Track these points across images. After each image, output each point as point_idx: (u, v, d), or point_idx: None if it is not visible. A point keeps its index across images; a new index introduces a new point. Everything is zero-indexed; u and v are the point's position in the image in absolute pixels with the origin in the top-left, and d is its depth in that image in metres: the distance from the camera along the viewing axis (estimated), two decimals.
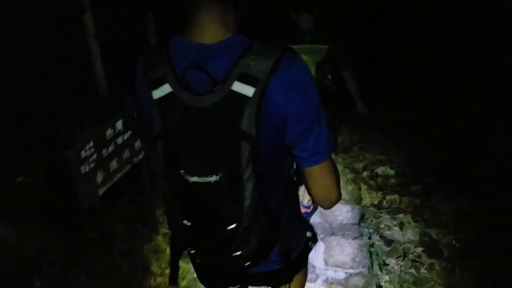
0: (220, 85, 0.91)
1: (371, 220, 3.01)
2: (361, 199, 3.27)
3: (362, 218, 3.02)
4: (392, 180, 3.49)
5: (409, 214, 3.07)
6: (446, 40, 4.65)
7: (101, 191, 2.32)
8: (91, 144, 2.18)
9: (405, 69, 4.79)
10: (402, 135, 4.01)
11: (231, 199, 0.98)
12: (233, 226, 1.00)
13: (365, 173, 3.62)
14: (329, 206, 1.09)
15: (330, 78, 2.35)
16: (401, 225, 2.95)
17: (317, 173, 1.02)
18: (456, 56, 4.54)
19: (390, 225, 2.98)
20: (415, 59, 4.82)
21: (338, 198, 1.07)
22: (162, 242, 2.78)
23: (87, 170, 2.17)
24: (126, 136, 2.42)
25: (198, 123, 0.94)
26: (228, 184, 0.96)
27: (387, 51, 4.98)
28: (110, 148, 2.31)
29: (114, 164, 2.35)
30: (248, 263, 1.08)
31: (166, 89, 0.96)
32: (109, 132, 2.29)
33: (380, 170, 3.60)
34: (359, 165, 3.76)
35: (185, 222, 1.05)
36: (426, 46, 4.78)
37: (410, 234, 2.87)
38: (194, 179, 0.98)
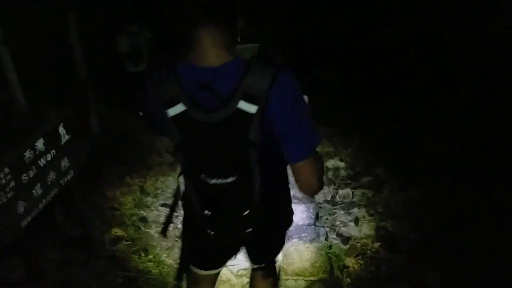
0: (227, 103, 1.07)
1: (326, 218, 2.91)
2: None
3: (317, 216, 2.91)
4: (343, 173, 3.42)
5: (363, 207, 3.00)
6: (395, 36, 4.62)
7: (25, 222, 2.00)
8: (7, 170, 1.85)
9: (351, 62, 4.70)
10: (349, 128, 3.93)
11: (245, 193, 1.22)
12: (247, 212, 1.26)
13: None
14: (311, 194, 1.43)
15: None
16: (356, 221, 2.87)
17: (301, 168, 1.19)
18: (404, 50, 4.51)
19: (346, 221, 2.89)
20: (362, 51, 4.75)
21: (320, 187, 1.25)
22: (103, 266, 2.51)
23: (4, 200, 1.85)
24: (50, 156, 2.10)
25: (211, 136, 1.13)
26: (242, 183, 1.19)
27: (333, 43, 4.86)
28: (32, 173, 1.99)
29: (38, 190, 2.04)
30: (254, 235, 1.34)
31: (180, 108, 1.10)
32: (28, 154, 1.97)
33: (329, 163, 3.51)
34: None
35: (206, 212, 1.29)
36: (373, 40, 4.72)
37: (366, 229, 2.80)
38: (214, 181, 1.20)
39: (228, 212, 1.29)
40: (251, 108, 1.06)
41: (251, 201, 1.23)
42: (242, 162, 1.15)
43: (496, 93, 3.75)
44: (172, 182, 3.28)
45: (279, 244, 1.62)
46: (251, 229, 1.32)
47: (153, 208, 3.01)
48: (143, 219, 2.89)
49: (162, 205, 3.04)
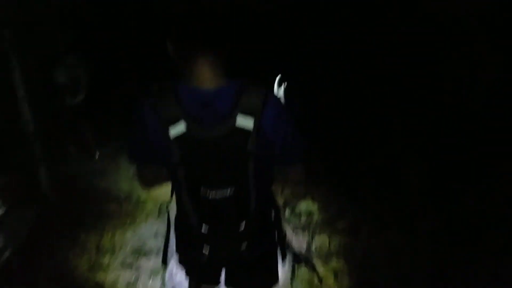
0: (227, 119, 1.18)
1: (303, 274, 2.68)
2: (288, 246, 2.92)
3: (293, 272, 2.67)
4: (317, 217, 3.21)
5: (341, 257, 2.80)
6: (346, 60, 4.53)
7: None
8: None
9: (322, 89, 4.55)
10: (317, 167, 3.76)
11: (241, 205, 1.29)
12: (244, 225, 1.32)
13: (287, 211, 3.30)
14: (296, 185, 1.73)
15: None
16: (335, 274, 2.65)
17: (292, 171, 1.40)
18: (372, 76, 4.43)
19: (324, 275, 2.67)
20: (334, 77, 4.63)
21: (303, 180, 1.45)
22: None
23: None
24: None
25: (212, 150, 1.21)
26: (240, 194, 1.27)
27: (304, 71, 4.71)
28: None
29: None
30: (249, 250, 1.39)
31: (181, 126, 1.17)
32: None
33: (302, 206, 3.30)
34: (279, 201, 3.43)
35: (203, 227, 1.32)
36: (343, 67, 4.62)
37: (347, 283, 2.59)
38: (213, 193, 1.25)
39: (226, 226, 1.33)
40: (248, 122, 1.18)
41: (246, 213, 1.31)
42: (240, 174, 1.24)
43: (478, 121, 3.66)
44: (131, 236, 2.97)
45: (271, 271, 1.62)
46: (246, 242, 1.37)
47: (110, 269, 2.68)
48: (99, 285, 2.56)
49: (121, 265, 2.72)
